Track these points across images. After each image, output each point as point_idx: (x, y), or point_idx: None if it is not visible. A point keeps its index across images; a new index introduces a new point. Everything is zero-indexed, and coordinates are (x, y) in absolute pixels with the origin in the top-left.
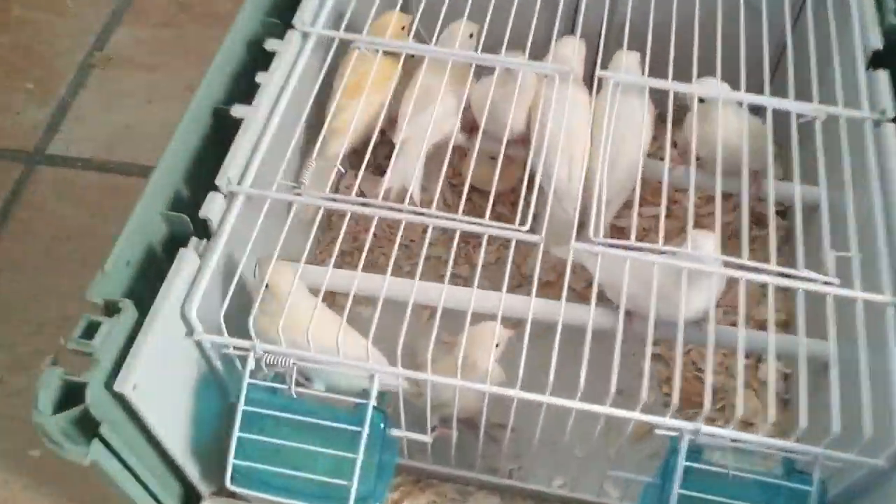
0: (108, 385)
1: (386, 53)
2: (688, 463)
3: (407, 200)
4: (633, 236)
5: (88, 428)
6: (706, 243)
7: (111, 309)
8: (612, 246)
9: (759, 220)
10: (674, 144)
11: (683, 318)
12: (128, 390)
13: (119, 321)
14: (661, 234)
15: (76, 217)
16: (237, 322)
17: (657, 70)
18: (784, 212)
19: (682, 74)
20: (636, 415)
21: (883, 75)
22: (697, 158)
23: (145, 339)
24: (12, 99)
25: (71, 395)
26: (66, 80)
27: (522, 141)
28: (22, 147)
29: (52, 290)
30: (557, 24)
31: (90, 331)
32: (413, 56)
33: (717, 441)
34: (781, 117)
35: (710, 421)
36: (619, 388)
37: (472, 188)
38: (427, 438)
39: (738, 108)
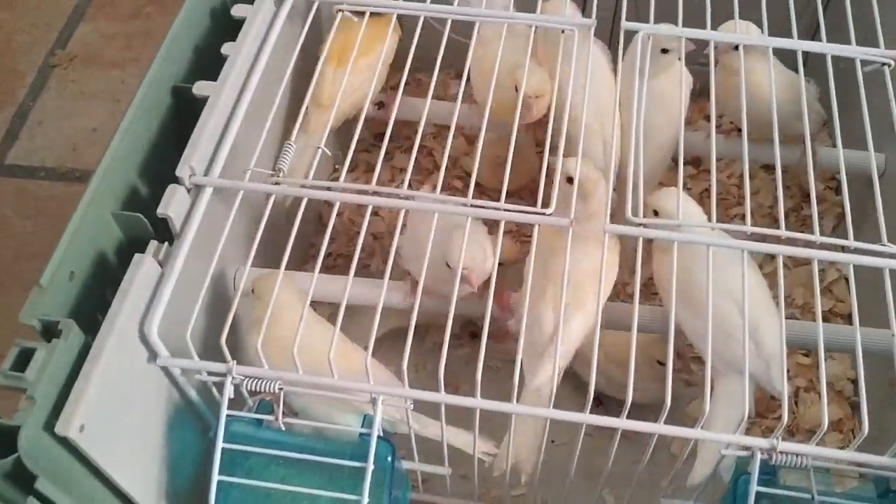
0: (50, 427)
1: (373, 16)
2: (761, 488)
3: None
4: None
5: (25, 482)
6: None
7: (50, 332)
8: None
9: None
10: (706, 118)
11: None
12: (73, 433)
13: (59, 347)
14: (714, 210)
15: (39, 233)
16: (210, 342)
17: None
18: (839, 186)
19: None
20: (698, 433)
21: None
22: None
23: (94, 367)
24: None
25: (4, 441)
26: (25, 82)
27: (534, 123)
28: None
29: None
30: None
31: (23, 360)
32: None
33: (796, 460)
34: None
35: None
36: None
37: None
38: (445, 470)
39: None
